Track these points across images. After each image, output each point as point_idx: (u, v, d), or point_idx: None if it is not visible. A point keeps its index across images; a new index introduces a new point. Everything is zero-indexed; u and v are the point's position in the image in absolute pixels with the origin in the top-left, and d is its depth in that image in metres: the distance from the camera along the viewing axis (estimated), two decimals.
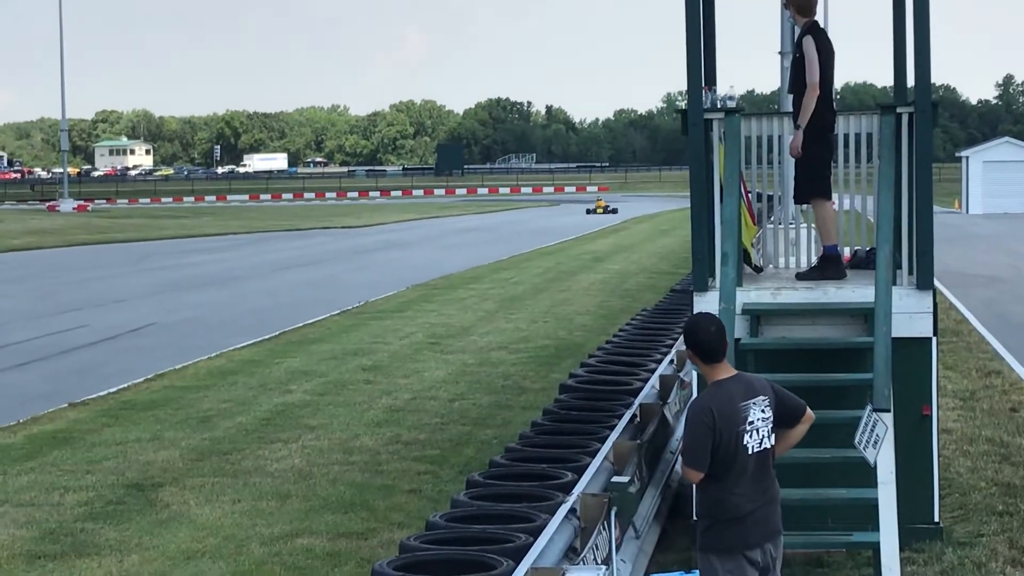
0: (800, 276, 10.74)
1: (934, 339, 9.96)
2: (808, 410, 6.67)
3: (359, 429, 14.47)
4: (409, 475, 12.35)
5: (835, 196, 11.53)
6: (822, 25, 10.86)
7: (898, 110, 10.23)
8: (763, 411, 6.40)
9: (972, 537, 10.09)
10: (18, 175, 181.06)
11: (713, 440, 6.34)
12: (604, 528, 8.24)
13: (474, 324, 23.77)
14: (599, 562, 7.94)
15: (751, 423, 6.35)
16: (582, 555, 7.79)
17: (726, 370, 6.47)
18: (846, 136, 11.04)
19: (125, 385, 17.67)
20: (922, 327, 9.90)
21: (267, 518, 10.96)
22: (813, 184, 10.70)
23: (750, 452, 6.35)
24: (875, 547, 8.57)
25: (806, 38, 10.50)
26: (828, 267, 10.63)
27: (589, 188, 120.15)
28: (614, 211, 74.26)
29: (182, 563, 9.84)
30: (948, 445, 12.93)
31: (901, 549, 8.74)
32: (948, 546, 9.81)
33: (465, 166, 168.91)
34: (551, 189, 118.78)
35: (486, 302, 27.54)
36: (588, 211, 75.32)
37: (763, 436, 6.39)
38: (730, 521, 6.41)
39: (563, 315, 25.00)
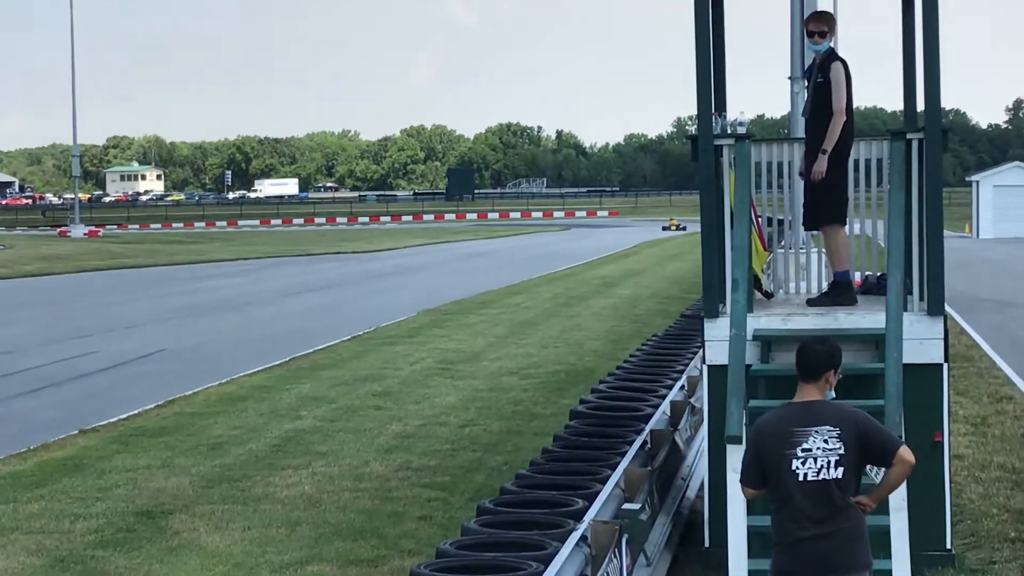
0: (811, 302, 10.72)
1: (945, 365, 9.94)
2: (903, 451, 6.34)
3: (369, 455, 14.45)
4: (419, 502, 12.33)
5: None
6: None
7: (908, 136, 10.23)
8: (826, 441, 6.26)
9: (984, 564, 10.05)
10: (29, 201, 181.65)
11: (758, 457, 6.39)
12: (615, 556, 8.22)
13: (484, 349, 23.76)
14: None
15: (806, 449, 6.26)
16: None
17: (807, 393, 6.43)
18: (856, 161, 11.04)
19: (135, 411, 17.67)
20: (933, 353, 9.87)
21: (277, 545, 10.94)
22: (831, 209, 10.68)
23: (800, 479, 6.26)
24: (887, 574, 8.52)
25: (835, 64, 10.50)
26: (839, 293, 10.61)
27: (600, 212, 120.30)
28: (683, 228, 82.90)
29: None
30: (960, 471, 12.88)
31: None
32: (960, 573, 9.77)
33: (476, 191, 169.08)
34: (561, 214, 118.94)
35: (497, 327, 27.53)
36: (664, 228, 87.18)
37: (822, 466, 6.25)
38: (783, 545, 6.38)
39: (573, 340, 24.98)
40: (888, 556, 8.52)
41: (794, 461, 6.27)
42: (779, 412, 6.51)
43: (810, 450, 6.27)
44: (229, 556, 10.65)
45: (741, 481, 6.55)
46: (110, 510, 12.23)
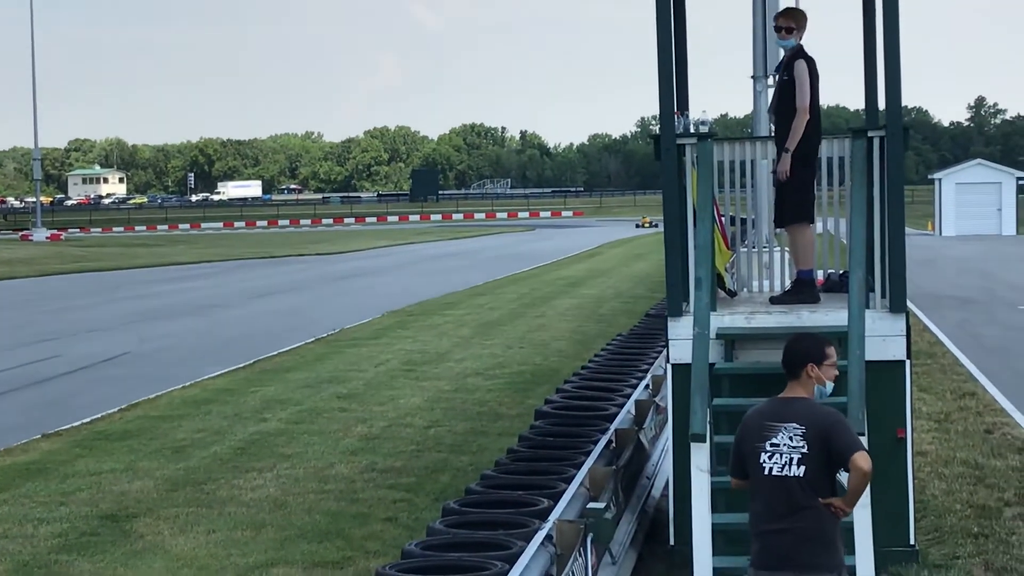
0: (774, 300, 10.77)
1: (908, 362, 9.99)
2: (856, 457, 6.22)
3: (334, 457, 14.42)
4: (385, 503, 12.31)
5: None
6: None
7: (869, 134, 10.28)
8: (791, 438, 6.31)
9: (948, 559, 10.11)
10: None
11: (738, 449, 6.50)
12: (581, 555, 8.22)
13: (450, 350, 23.75)
14: None
15: (774, 444, 6.32)
16: None
17: (790, 389, 6.48)
18: (819, 160, 11.08)
19: (99, 415, 17.57)
20: (895, 350, 9.93)
21: (242, 548, 10.90)
22: (797, 208, 10.72)
23: (765, 472, 6.33)
24: (852, 570, 8.55)
25: (798, 62, 10.52)
26: (802, 291, 10.66)
27: (564, 213, 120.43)
28: (655, 225, 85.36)
29: None
30: (923, 467, 12.96)
31: (877, 572, 8.75)
32: (924, 569, 9.83)
33: (440, 192, 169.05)
34: (526, 214, 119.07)
35: (462, 328, 27.52)
36: (637, 225, 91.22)
37: (786, 462, 6.29)
38: (752, 536, 6.47)
39: (539, 341, 24.99)
40: (852, 552, 8.55)
41: (762, 455, 6.35)
42: (760, 406, 6.57)
43: (777, 445, 6.33)
44: (194, 559, 10.61)
45: (729, 471, 6.66)
46: (74, 514, 12.16)
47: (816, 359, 6.48)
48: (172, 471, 13.93)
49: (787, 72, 10.60)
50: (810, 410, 6.40)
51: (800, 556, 6.31)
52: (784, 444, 6.33)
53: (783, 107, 10.60)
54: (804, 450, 6.30)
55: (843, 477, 6.43)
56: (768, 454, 6.34)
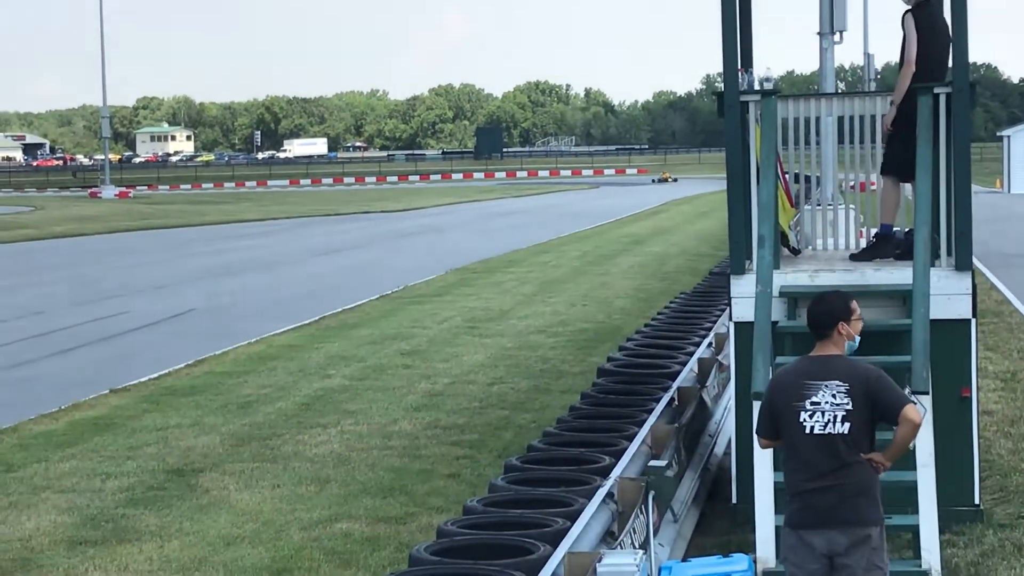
0: (854, 256, 10.66)
1: (973, 320, 9.89)
2: (907, 410, 6.29)
3: (398, 414, 14.51)
4: (447, 460, 12.38)
5: (874, 177, 11.46)
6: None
7: (935, 90, 10.14)
8: (834, 395, 6.31)
9: (1013, 519, 10.03)
10: (60, 162, 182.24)
11: (771, 409, 6.47)
12: (642, 512, 8.25)
13: (512, 308, 23.78)
14: (637, 546, 7.94)
15: (814, 403, 6.30)
16: (619, 539, 7.80)
17: (823, 348, 6.48)
18: (883, 117, 10.95)
19: (166, 371, 17.77)
20: (961, 308, 9.83)
21: (306, 503, 11.00)
22: (890, 162, 10.61)
23: (806, 431, 6.31)
24: (915, 530, 8.52)
25: (907, 15, 10.39)
26: (878, 246, 10.56)
27: (628, 171, 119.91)
28: (675, 180, 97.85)
29: (222, 548, 9.89)
30: (989, 427, 12.84)
31: (941, 532, 8.69)
32: (988, 528, 9.75)
33: (504, 149, 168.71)
34: (590, 172, 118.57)
35: (525, 286, 27.54)
36: (654, 180, 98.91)
37: (829, 420, 6.29)
38: (791, 496, 6.47)
39: (602, 298, 24.97)
40: (915, 512, 8.51)
41: (802, 413, 6.33)
42: (794, 365, 6.57)
43: (818, 403, 6.31)
44: (259, 514, 10.72)
45: (756, 431, 6.63)
46: (140, 469, 12.33)
47: (844, 316, 6.51)
48: (237, 426, 14.06)
49: (902, 26, 10.47)
50: (851, 367, 6.40)
51: (845, 512, 6.33)
52: (826, 402, 6.31)
53: (901, 62, 10.48)
54: (848, 407, 6.30)
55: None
56: (808, 412, 6.32)
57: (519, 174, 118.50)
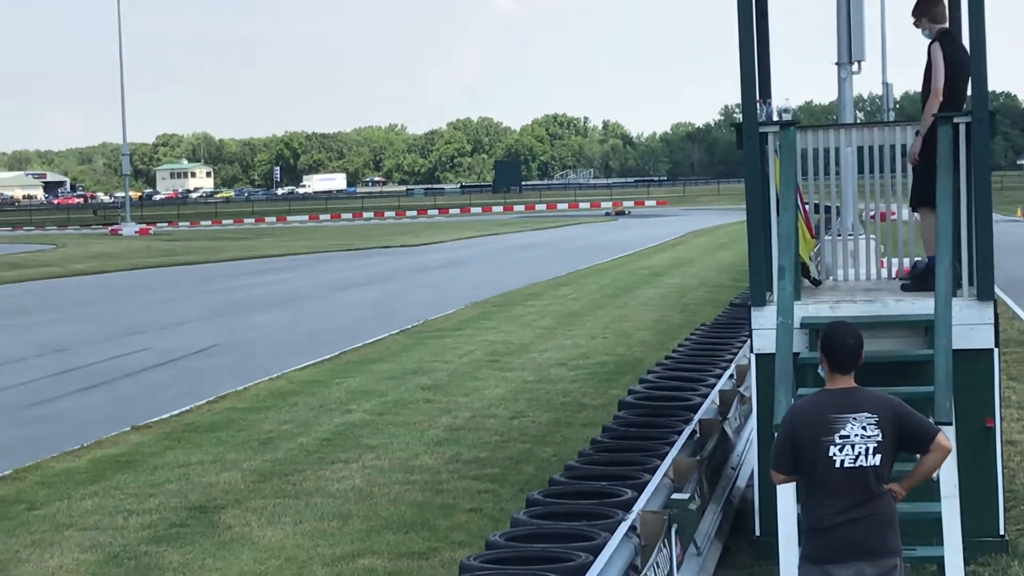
0: (906, 287, 10.60)
1: (996, 350, 9.85)
2: (940, 438, 6.31)
3: (419, 448, 14.49)
4: (469, 494, 12.35)
5: (894, 207, 11.45)
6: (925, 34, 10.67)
7: (955, 119, 10.13)
8: (864, 428, 6.24)
9: None
10: (81, 199, 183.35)
11: (793, 444, 6.35)
12: (665, 546, 8.21)
13: (533, 341, 23.77)
14: None
15: (844, 436, 6.23)
16: (643, 573, 7.76)
17: (843, 382, 6.39)
18: (903, 147, 10.96)
19: (187, 407, 17.79)
20: (983, 338, 9.79)
21: (329, 539, 10.99)
22: (921, 192, 10.58)
23: (837, 465, 6.23)
24: (939, 561, 8.47)
25: (934, 45, 10.40)
26: (926, 278, 10.50)
27: (647, 202, 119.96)
28: (626, 213, 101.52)
29: None
30: (1013, 457, 12.77)
31: (966, 563, 8.65)
32: (1014, 559, 9.69)
33: (523, 182, 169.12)
34: (609, 204, 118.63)
35: (545, 319, 27.53)
36: (607, 213, 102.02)
37: (860, 453, 6.22)
38: (814, 531, 6.37)
39: (622, 331, 24.94)
40: (940, 543, 8.47)
41: (831, 448, 6.25)
42: (814, 399, 6.49)
43: (848, 437, 6.25)
44: (281, 550, 10.71)
45: (773, 467, 6.50)
46: (163, 505, 12.33)
47: (862, 349, 6.47)
48: (259, 462, 14.07)
49: (928, 56, 10.47)
50: (874, 398, 6.36)
51: (874, 543, 6.29)
52: (856, 435, 6.24)
53: (924, 92, 10.48)
54: (879, 438, 6.25)
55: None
56: (838, 446, 6.24)
57: (538, 207, 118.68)
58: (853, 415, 6.27)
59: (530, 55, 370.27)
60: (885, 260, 12.21)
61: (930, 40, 10.52)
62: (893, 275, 12.00)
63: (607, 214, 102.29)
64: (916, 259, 11.61)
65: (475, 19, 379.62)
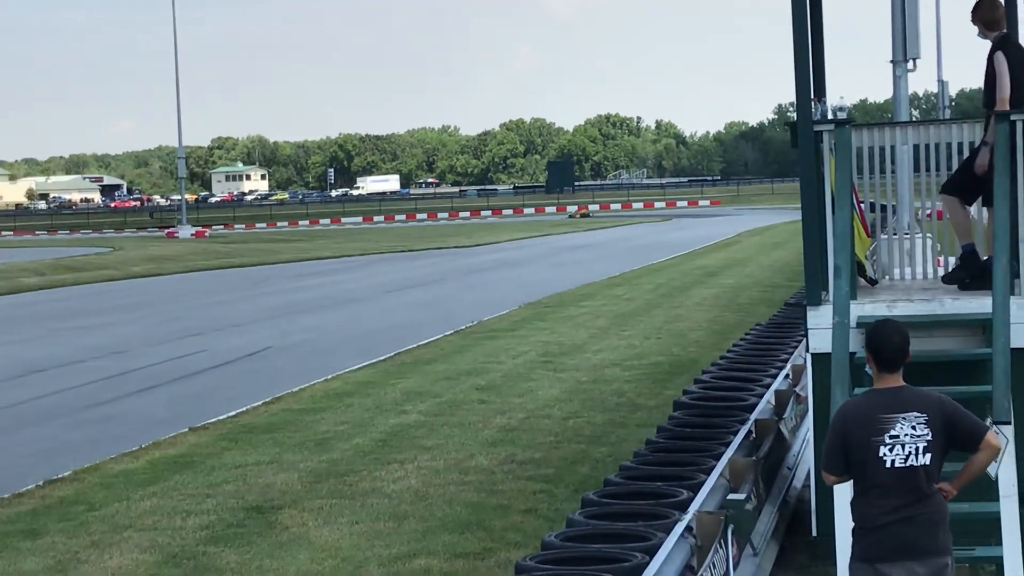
0: (946, 279, 10.52)
1: None
2: (990, 436, 6.31)
3: (474, 449, 14.52)
4: (524, 494, 12.37)
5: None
6: (975, 33, 10.57)
7: (1012, 117, 10.04)
8: (914, 427, 6.22)
9: None
10: (137, 203, 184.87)
11: (844, 444, 6.32)
12: (721, 546, 8.20)
13: (587, 341, 23.76)
14: None
15: (894, 436, 6.21)
16: (699, 573, 7.75)
17: (891, 381, 6.36)
18: (960, 144, 10.87)
19: (244, 409, 17.91)
20: None
21: (385, 539, 11.04)
22: (956, 184, 10.49)
23: (887, 465, 6.21)
24: (998, 562, 8.41)
25: (997, 53, 10.26)
26: (968, 264, 10.43)
27: (701, 202, 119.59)
28: (587, 216, 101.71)
29: None
30: None
31: None
32: None
33: (576, 183, 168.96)
34: (662, 204, 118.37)
35: (598, 319, 27.51)
36: (570, 216, 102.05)
37: (910, 452, 6.20)
38: (865, 530, 6.36)
39: (676, 331, 24.89)
40: (999, 543, 8.40)
41: (881, 448, 6.23)
42: (864, 399, 6.47)
43: (898, 436, 6.22)
44: (338, 550, 10.77)
45: (824, 468, 6.49)
46: (220, 506, 12.42)
47: (908, 346, 6.42)
48: (315, 463, 14.14)
49: (989, 64, 10.35)
50: (923, 396, 6.33)
51: (925, 542, 6.27)
52: (905, 434, 6.22)
53: (988, 100, 10.35)
54: (929, 437, 6.23)
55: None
56: (888, 446, 6.22)
57: (591, 207, 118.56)
58: (903, 414, 6.25)
59: (582, 55, 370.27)
60: (941, 259, 12.12)
61: (991, 47, 10.38)
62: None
63: (570, 216, 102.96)
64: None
65: (527, 19, 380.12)
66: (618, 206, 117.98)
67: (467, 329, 26.66)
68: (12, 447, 16.32)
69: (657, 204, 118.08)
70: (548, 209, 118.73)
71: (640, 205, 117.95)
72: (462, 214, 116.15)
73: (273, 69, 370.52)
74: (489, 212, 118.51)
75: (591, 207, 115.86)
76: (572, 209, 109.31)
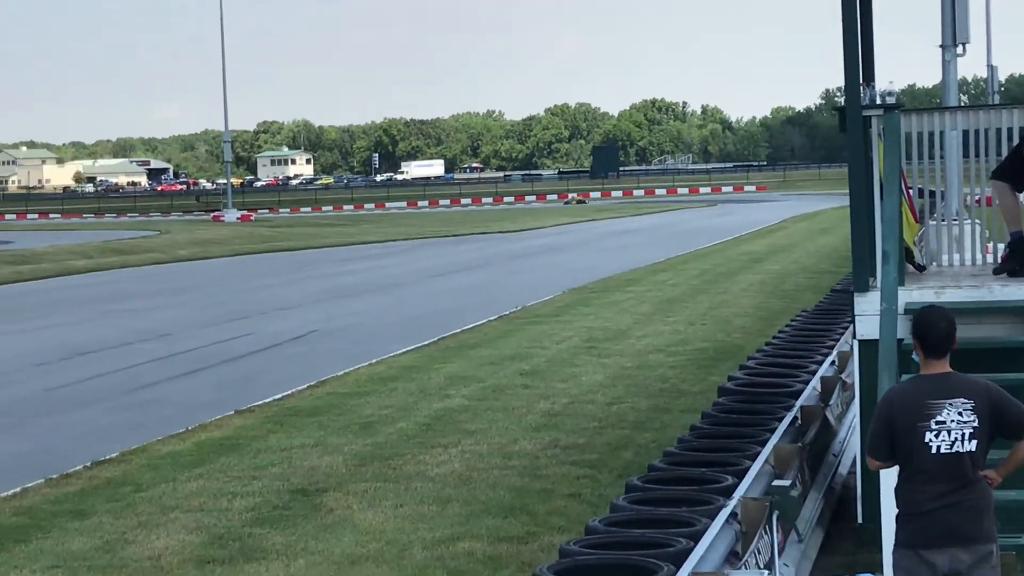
0: (997, 270, 10.45)
1: None
2: None
3: (518, 434, 14.53)
4: (568, 479, 12.37)
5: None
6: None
7: None
8: (960, 414, 6.19)
9: None
10: (184, 186, 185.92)
11: (889, 429, 6.29)
12: (766, 532, 8.17)
13: (631, 327, 23.72)
14: (761, 567, 7.87)
15: (940, 422, 6.18)
16: (744, 559, 7.74)
17: (938, 367, 6.33)
18: (1009, 130, 10.77)
19: (289, 392, 17.98)
20: None
21: (428, 522, 11.07)
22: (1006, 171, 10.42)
23: (933, 451, 6.18)
24: None
25: None
26: (1018, 252, 10.35)
27: (747, 187, 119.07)
28: (583, 202, 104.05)
29: (347, 567, 9.99)
30: None
31: None
32: None
33: (621, 168, 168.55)
34: (708, 189, 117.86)
35: (643, 305, 27.45)
36: (566, 203, 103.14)
37: (956, 438, 6.17)
38: (909, 516, 6.34)
39: (721, 317, 24.81)
40: None
41: (927, 434, 6.20)
42: (910, 384, 6.44)
43: (944, 422, 6.19)
44: (382, 533, 10.80)
45: (869, 453, 6.47)
46: (266, 488, 12.49)
47: (955, 331, 6.37)
48: (360, 446, 14.19)
49: None
50: (969, 383, 6.29)
51: (969, 529, 6.25)
52: (952, 420, 6.19)
53: None
54: (975, 424, 6.20)
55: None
56: (934, 432, 6.19)
57: (636, 193, 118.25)
58: (949, 400, 6.21)
59: (628, 40, 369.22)
60: (990, 245, 12.02)
61: None
62: (1000, 260, 11.81)
63: (566, 203, 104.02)
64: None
65: (573, 4, 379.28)
66: (663, 191, 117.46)
67: (511, 314, 26.67)
68: (60, 428, 16.46)
69: (702, 189, 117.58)
70: (593, 194, 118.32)
71: (685, 190, 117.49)
72: (506, 199, 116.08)
73: (319, 54, 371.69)
74: (534, 197, 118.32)
75: (639, 191, 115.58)
76: (572, 196, 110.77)
